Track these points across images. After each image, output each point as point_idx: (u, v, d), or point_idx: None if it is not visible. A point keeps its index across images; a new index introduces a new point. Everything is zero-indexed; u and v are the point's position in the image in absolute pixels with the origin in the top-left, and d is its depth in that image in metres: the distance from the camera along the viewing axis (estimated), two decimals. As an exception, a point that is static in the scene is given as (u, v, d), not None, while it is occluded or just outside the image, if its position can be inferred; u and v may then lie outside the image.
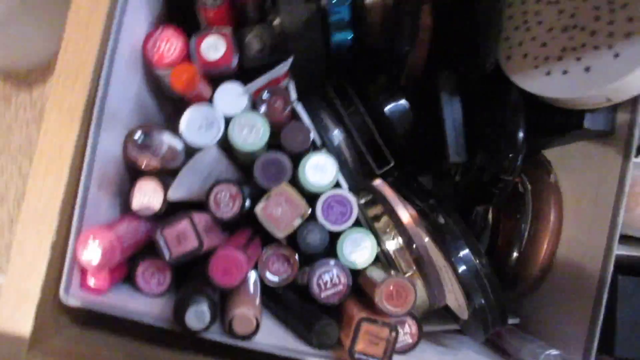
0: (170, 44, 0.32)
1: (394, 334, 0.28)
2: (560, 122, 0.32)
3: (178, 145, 0.29)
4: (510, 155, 0.30)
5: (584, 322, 0.29)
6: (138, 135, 0.22)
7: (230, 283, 0.27)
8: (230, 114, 0.32)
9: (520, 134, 0.30)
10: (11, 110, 0.53)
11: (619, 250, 0.29)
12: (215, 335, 0.28)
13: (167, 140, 0.26)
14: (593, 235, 0.31)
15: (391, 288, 0.28)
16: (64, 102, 0.27)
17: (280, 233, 0.31)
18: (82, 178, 0.27)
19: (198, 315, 0.26)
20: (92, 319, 0.33)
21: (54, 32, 0.49)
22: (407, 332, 0.31)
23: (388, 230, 0.34)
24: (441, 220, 0.30)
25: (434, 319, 0.37)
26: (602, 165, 0.31)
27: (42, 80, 0.53)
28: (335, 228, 0.32)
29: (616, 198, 0.29)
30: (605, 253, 0.29)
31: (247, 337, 0.28)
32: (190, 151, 0.32)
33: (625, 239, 0.33)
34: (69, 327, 0.30)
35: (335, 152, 0.36)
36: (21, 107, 0.52)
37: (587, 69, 0.28)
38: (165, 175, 0.32)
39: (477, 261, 0.30)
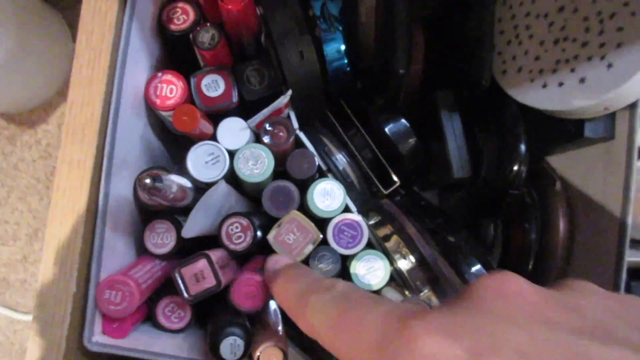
0: (171, 87, 0.32)
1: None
2: (561, 132, 0.32)
3: (186, 183, 0.29)
4: (514, 168, 0.30)
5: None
6: (147, 181, 0.23)
7: (256, 306, 0.28)
8: (234, 149, 0.33)
9: (522, 146, 0.30)
10: (17, 150, 0.54)
11: (630, 256, 0.29)
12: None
13: (175, 180, 0.27)
14: (603, 242, 0.31)
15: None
16: (74, 157, 0.28)
17: (294, 259, 0.32)
18: (98, 227, 0.28)
19: (232, 347, 0.27)
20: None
21: (55, 70, 0.50)
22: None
23: (399, 249, 0.34)
24: (451, 238, 0.31)
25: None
26: (606, 171, 0.31)
27: (46, 118, 0.54)
28: (347, 252, 0.33)
29: (623, 206, 0.29)
30: (616, 260, 0.29)
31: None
32: (199, 187, 0.32)
33: (637, 244, 0.33)
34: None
35: (341, 176, 0.36)
36: (26, 146, 0.53)
37: (582, 80, 0.29)
38: (177, 214, 0.33)
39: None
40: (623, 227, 0.29)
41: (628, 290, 0.31)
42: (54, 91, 0.52)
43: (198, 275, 0.28)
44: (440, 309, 0.17)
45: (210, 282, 0.28)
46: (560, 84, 0.30)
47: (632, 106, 0.30)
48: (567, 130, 0.32)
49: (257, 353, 0.28)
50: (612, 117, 0.31)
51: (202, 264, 0.28)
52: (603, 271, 0.30)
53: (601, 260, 0.31)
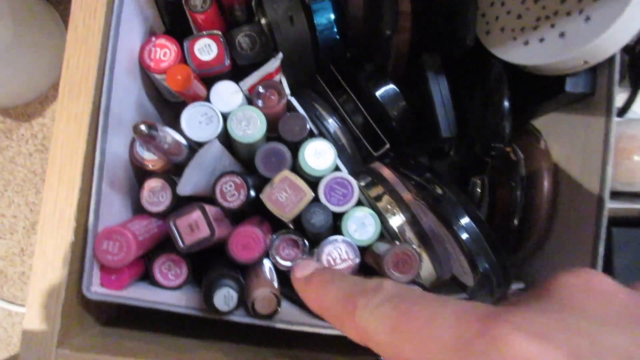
0: (164, 50, 0.33)
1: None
2: (544, 88, 0.33)
3: (181, 140, 0.30)
4: (498, 122, 0.31)
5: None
6: (143, 127, 0.24)
7: (252, 257, 0.29)
8: (227, 111, 0.34)
9: (505, 102, 0.31)
10: (13, 144, 0.54)
11: (611, 204, 0.30)
12: (241, 317, 0.29)
13: (171, 132, 0.28)
14: (585, 193, 0.32)
15: (396, 256, 0.29)
16: (71, 112, 0.28)
17: (286, 217, 0.33)
18: (95, 180, 0.29)
19: (226, 298, 0.28)
20: (113, 319, 0.35)
21: (50, 64, 0.51)
22: (415, 302, 0.32)
23: (390, 207, 0.35)
24: (439, 191, 0.32)
25: (443, 291, 0.39)
26: (588, 126, 0.33)
27: (42, 112, 0.54)
28: (338, 209, 0.34)
29: (603, 155, 0.30)
30: (597, 208, 0.30)
31: (270, 315, 0.29)
32: (193, 148, 0.33)
33: (617, 195, 0.34)
34: (92, 326, 0.32)
35: (333, 139, 0.37)
36: (23, 140, 0.54)
37: (562, 35, 0.30)
38: (172, 175, 0.34)
39: (477, 227, 0.31)
40: (604, 179, 0.30)
41: (609, 235, 0.32)
42: (50, 85, 0.53)
43: (192, 226, 0.29)
44: (523, 308, 0.16)
45: (204, 232, 0.29)
46: (541, 40, 0.31)
47: (610, 61, 0.31)
48: (549, 87, 0.33)
49: (252, 299, 0.29)
50: (592, 72, 0.32)
51: (196, 214, 0.29)
52: (585, 220, 0.31)
53: (583, 211, 0.32)
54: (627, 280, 0.32)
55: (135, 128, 0.24)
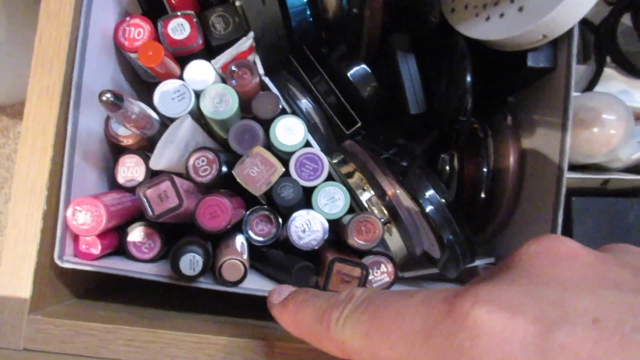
0: (138, 30, 0.34)
1: (364, 272, 0.30)
2: (508, 65, 0.34)
3: (153, 114, 0.31)
4: (460, 96, 0.32)
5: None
6: (109, 94, 0.25)
7: (218, 226, 0.29)
8: (201, 89, 0.35)
9: (467, 77, 0.32)
10: (10, 142, 0.55)
11: (569, 174, 0.31)
12: (207, 283, 0.30)
13: (139, 104, 0.29)
14: (548, 165, 0.33)
15: (359, 224, 0.30)
16: (43, 85, 0.29)
17: (258, 191, 0.33)
18: (66, 152, 0.29)
19: (192, 262, 0.29)
20: (90, 292, 0.35)
21: None
22: (384, 271, 0.33)
23: (361, 184, 0.36)
24: (403, 163, 0.33)
25: (414, 266, 0.39)
26: (550, 100, 0.34)
27: None
28: (308, 184, 0.35)
29: (562, 125, 0.31)
30: (557, 178, 0.31)
31: (236, 283, 0.30)
32: (167, 124, 0.34)
33: (582, 169, 0.35)
34: (67, 297, 0.33)
35: (305, 118, 0.38)
36: (19, 137, 0.55)
37: (520, 9, 0.31)
38: (147, 152, 0.35)
39: (442, 199, 0.32)
40: (563, 149, 0.31)
41: (568, 205, 0.33)
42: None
43: (162, 196, 0.29)
44: (489, 282, 0.15)
45: (173, 202, 0.29)
46: (502, 15, 0.32)
47: (569, 35, 0.32)
48: (513, 63, 0.34)
49: (219, 266, 0.30)
50: (553, 47, 0.33)
51: (165, 185, 0.29)
52: (548, 191, 0.32)
53: (546, 182, 0.33)
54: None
55: (101, 95, 0.25)
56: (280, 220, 0.36)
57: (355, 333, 0.17)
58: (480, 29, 0.33)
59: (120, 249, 0.34)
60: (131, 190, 0.34)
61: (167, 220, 0.30)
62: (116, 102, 0.25)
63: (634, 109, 0.38)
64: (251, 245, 0.36)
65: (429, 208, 0.33)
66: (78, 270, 0.30)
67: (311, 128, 0.38)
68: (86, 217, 0.29)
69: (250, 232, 0.35)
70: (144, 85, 0.40)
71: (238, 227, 0.36)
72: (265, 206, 0.36)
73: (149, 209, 0.29)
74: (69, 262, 0.29)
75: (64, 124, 0.30)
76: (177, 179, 0.30)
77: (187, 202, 0.30)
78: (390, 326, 0.16)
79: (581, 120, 0.32)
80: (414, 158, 0.33)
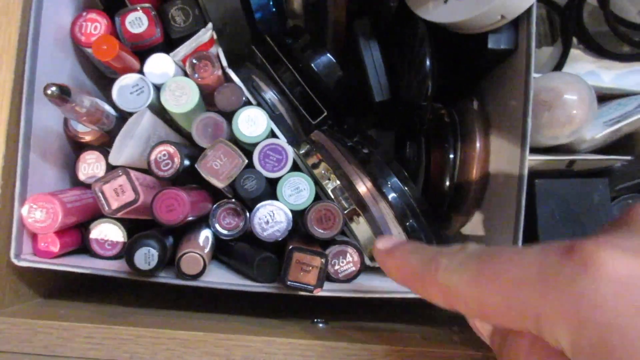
0: (95, 24, 0.34)
1: (324, 261, 0.29)
2: (469, 48, 0.34)
3: (110, 110, 0.31)
4: (420, 81, 0.32)
5: (511, 229, 0.31)
6: (54, 88, 0.24)
7: (174, 219, 0.29)
8: (161, 82, 0.34)
9: (427, 62, 0.32)
10: None
11: (532, 156, 0.31)
12: (166, 277, 0.30)
13: (90, 97, 0.28)
14: (511, 148, 0.32)
15: (319, 212, 0.30)
16: (-6, 81, 0.29)
17: (221, 183, 0.33)
18: (20, 149, 0.29)
19: (147, 256, 0.28)
20: (55, 290, 0.35)
21: None
22: (349, 260, 0.33)
23: (326, 174, 0.36)
24: (365, 150, 0.32)
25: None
26: (512, 82, 0.33)
27: None
28: (272, 175, 0.34)
29: (524, 106, 0.31)
30: (520, 159, 0.31)
31: (195, 276, 0.30)
32: (127, 119, 0.34)
33: (547, 151, 0.35)
34: (31, 297, 0.32)
35: (271, 110, 0.38)
36: None
37: (477, -10, 0.30)
38: (108, 148, 0.34)
39: (405, 185, 0.32)
40: (524, 130, 0.31)
41: (531, 186, 0.32)
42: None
43: (118, 190, 0.29)
44: (604, 234, 0.15)
45: (129, 196, 0.29)
46: (459, -3, 0.31)
47: (529, 15, 0.31)
48: (474, 46, 0.33)
49: (178, 259, 0.29)
50: (513, 28, 0.33)
51: (121, 179, 0.29)
52: (512, 174, 0.32)
53: (510, 165, 0.32)
54: (549, 229, 0.33)
55: (45, 89, 0.25)
56: (247, 213, 0.35)
57: (463, 278, 0.17)
58: (439, 11, 0.32)
59: (84, 247, 0.34)
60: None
61: (126, 216, 0.30)
62: (62, 96, 0.25)
63: (601, 90, 0.38)
64: (219, 239, 0.36)
65: (391, 195, 0.32)
66: (39, 269, 0.30)
67: (277, 119, 0.38)
68: (42, 214, 0.29)
69: (217, 226, 0.35)
70: (107, 81, 0.39)
71: (205, 221, 0.36)
72: (232, 199, 0.36)
73: (105, 205, 0.29)
74: (25, 261, 0.29)
75: (17, 121, 0.29)
76: (133, 173, 0.30)
77: (145, 196, 0.30)
78: (501, 272, 0.16)
79: (543, 101, 0.32)
80: (376, 146, 0.33)
